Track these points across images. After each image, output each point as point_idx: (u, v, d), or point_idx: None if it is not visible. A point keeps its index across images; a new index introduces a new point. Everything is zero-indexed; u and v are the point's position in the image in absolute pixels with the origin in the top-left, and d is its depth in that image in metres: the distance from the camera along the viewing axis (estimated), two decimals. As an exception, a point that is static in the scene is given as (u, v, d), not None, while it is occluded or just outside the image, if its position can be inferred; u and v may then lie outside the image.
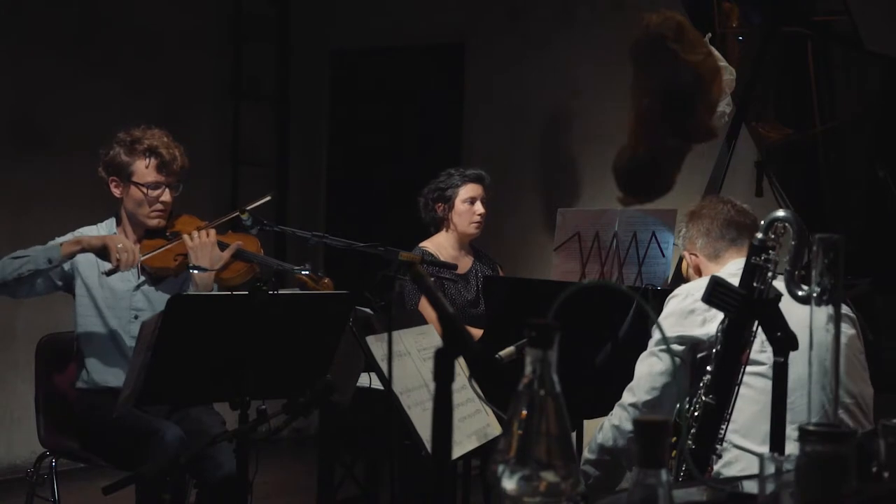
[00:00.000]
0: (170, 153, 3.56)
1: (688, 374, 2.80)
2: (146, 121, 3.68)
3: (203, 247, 3.50)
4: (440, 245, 4.45)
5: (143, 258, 3.47)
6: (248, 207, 3.58)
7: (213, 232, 3.54)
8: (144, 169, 3.55)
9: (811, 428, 1.46)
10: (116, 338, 3.56)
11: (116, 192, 3.59)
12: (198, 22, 6.33)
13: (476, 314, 4.42)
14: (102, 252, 3.42)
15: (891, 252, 4.06)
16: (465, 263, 4.47)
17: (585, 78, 5.75)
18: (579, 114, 5.82)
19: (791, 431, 1.53)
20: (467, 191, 4.43)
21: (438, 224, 4.51)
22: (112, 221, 3.68)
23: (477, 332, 4.11)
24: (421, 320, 3.16)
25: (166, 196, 3.57)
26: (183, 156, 3.61)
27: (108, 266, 3.42)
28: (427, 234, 4.53)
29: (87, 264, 3.56)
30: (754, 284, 2.26)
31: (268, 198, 3.68)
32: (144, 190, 3.55)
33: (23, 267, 3.38)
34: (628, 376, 2.93)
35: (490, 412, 2.95)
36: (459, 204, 4.43)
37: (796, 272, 2.00)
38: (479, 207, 4.44)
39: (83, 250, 3.44)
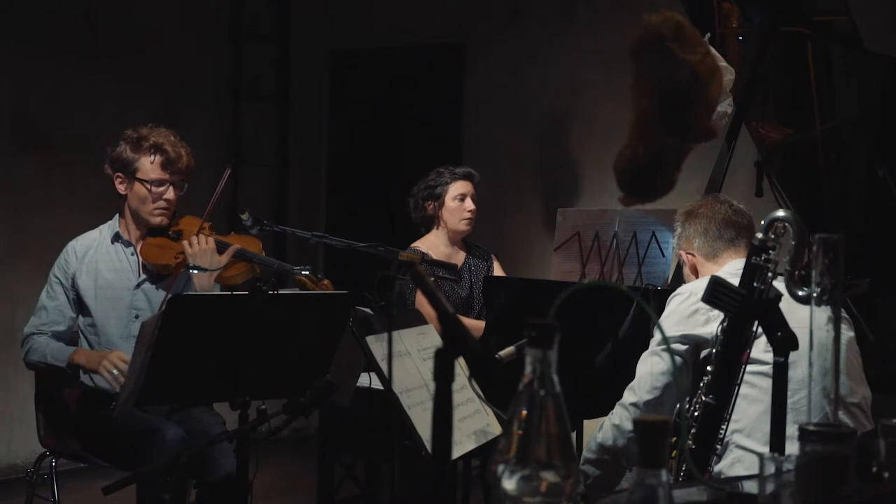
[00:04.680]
0: (175, 151, 3.57)
1: (690, 374, 2.80)
2: (146, 120, 3.69)
3: (202, 253, 3.52)
4: (432, 244, 4.45)
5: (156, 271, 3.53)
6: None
7: (211, 240, 3.55)
8: (149, 165, 3.55)
9: (811, 428, 1.46)
10: (116, 342, 3.56)
11: (121, 188, 3.60)
12: (198, 22, 6.33)
13: (469, 310, 4.42)
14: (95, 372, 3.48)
15: (891, 252, 4.06)
16: (458, 259, 4.47)
17: (585, 78, 5.74)
18: (579, 114, 5.82)
19: (794, 432, 1.53)
20: (457, 188, 4.43)
21: (429, 223, 4.50)
22: (115, 220, 3.69)
23: (477, 325, 4.11)
24: (421, 320, 3.16)
25: (170, 194, 3.58)
26: (189, 155, 3.62)
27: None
28: (420, 235, 4.52)
29: (86, 269, 3.58)
30: (754, 284, 2.26)
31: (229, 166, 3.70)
32: (148, 186, 3.55)
33: (49, 369, 3.54)
34: (628, 376, 2.93)
35: (490, 412, 2.95)
36: (450, 201, 4.42)
37: (796, 272, 2.01)
38: (469, 204, 4.44)
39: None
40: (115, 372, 3.36)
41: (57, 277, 3.60)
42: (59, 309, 3.57)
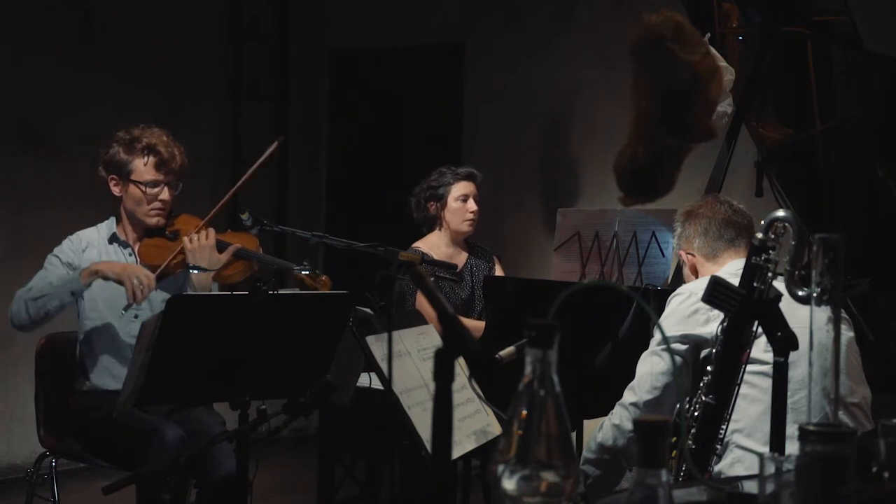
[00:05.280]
0: (168, 151, 3.57)
1: (690, 374, 2.80)
2: (146, 120, 3.69)
3: (202, 249, 3.51)
4: (433, 244, 4.44)
5: (156, 272, 3.48)
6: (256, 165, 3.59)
7: (212, 234, 3.55)
8: (143, 167, 3.55)
9: (811, 428, 1.46)
10: (117, 339, 3.56)
11: (116, 190, 3.60)
12: (198, 22, 6.33)
13: (471, 311, 4.42)
14: (118, 283, 3.41)
15: (891, 252, 4.06)
16: (460, 260, 4.46)
17: (585, 78, 5.74)
18: (579, 114, 5.82)
19: (794, 431, 1.53)
20: (460, 188, 4.42)
21: (431, 223, 4.49)
22: (112, 221, 3.69)
23: (477, 325, 4.11)
24: (421, 320, 3.16)
25: (165, 194, 3.58)
26: (182, 155, 3.62)
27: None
28: (420, 235, 4.52)
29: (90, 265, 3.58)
30: (754, 284, 2.26)
31: (275, 144, 3.66)
32: (143, 188, 3.55)
33: (48, 304, 3.43)
34: (628, 376, 2.93)
35: (490, 412, 2.95)
36: (452, 202, 4.41)
37: (796, 272, 2.01)
38: (471, 205, 4.43)
39: (99, 277, 3.44)
40: (136, 282, 3.33)
41: (58, 257, 3.58)
42: (60, 277, 3.51)
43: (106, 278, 3.42)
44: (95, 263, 3.48)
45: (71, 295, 3.44)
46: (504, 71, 6.09)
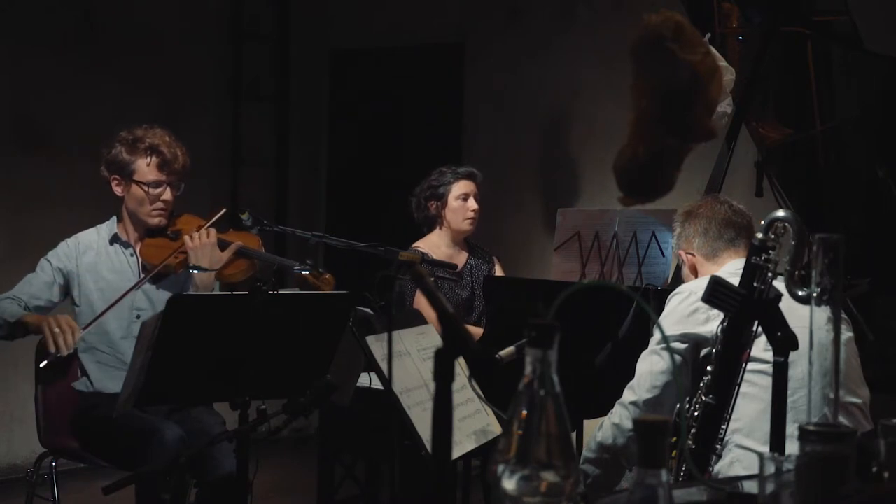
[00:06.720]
0: (171, 152, 3.57)
1: (689, 373, 2.80)
2: (146, 120, 3.69)
3: (203, 247, 3.51)
4: (433, 244, 4.44)
5: (155, 271, 3.48)
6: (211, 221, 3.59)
7: (213, 232, 3.55)
8: (146, 167, 3.55)
9: (811, 428, 1.46)
10: (116, 339, 3.56)
11: (118, 190, 3.60)
12: (198, 22, 6.33)
13: (471, 311, 4.42)
14: (38, 334, 3.37)
15: (891, 252, 4.06)
16: (460, 260, 4.46)
17: (585, 78, 5.74)
18: (579, 114, 5.82)
19: (794, 431, 1.53)
20: (460, 187, 4.42)
21: (431, 223, 4.49)
22: (113, 221, 3.69)
23: (475, 331, 4.11)
24: (421, 320, 3.16)
25: (167, 195, 3.58)
26: (185, 155, 3.62)
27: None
28: (421, 235, 4.52)
29: (88, 269, 3.58)
30: (754, 284, 2.26)
31: (223, 210, 3.67)
32: (146, 188, 3.55)
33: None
34: (628, 376, 2.93)
35: (490, 412, 2.95)
36: (453, 201, 4.41)
37: (796, 272, 2.01)
38: (472, 203, 4.43)
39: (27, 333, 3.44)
40: (57, 330, 3.25)
41: (49, 261, 3.59)
42: (45, 284, 3.54)
43: (30, 331, 3.40)
44: (26, 315, 3.45)
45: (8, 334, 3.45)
46: (504, 71, 6.09)
